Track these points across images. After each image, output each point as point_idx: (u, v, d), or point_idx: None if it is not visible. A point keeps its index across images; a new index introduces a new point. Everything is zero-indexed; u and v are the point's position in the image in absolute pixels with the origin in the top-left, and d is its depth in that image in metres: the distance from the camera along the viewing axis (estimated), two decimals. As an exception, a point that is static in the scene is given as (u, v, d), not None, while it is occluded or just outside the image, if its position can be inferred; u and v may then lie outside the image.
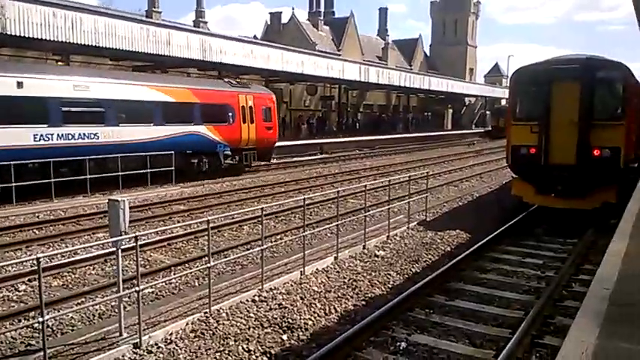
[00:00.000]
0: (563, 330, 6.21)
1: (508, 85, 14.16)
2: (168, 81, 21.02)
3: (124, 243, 7.81)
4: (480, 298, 8.04)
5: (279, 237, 11.92)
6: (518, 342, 6.08)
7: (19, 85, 15.24)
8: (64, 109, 16.28)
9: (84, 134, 16.94)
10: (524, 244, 11.34)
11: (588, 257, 9.92)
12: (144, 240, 10.55)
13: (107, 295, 7.80)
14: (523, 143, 12.49)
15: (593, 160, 11.69)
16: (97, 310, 7.54)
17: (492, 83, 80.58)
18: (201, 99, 21.04)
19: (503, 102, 66.27)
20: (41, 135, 15.81)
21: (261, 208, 8.65)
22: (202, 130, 21.02)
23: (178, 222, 13.10)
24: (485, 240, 10.87)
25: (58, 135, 16.24)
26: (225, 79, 24.63)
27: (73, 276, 9.13)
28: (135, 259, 6.40)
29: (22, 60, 22.62)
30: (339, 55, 50.35)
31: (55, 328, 6.90)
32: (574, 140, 11.75)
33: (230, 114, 22.24)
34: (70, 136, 16.57)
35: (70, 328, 6.97)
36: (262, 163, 25.26)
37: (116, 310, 6.75)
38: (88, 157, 16.66)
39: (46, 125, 15.92)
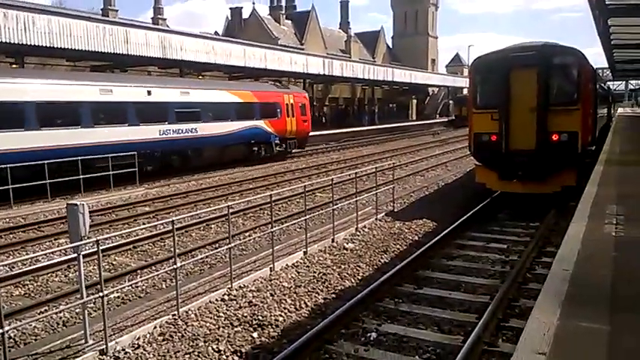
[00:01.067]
0: (527, 312, 6.35)
1: (468, 74, 14.37)
2: (238, 86, 27.09)
3: (86, 248, 7.65)
4: (448, 285, 8.17)
5: (247, 234, 11.85)
6: (485, 326, 6.20)
7: (149, 93, 20.31)
8: (176, 110, 21.36)
9: (188, 129, 21.94)
10: (488, 230, 11.58)
11: (550, 240, 10.19)
12: (108, 244, 10.33)
13: (71, 302, 7.59)
14: (484, 131, 12.72)
15: (551, 145, 12.00)
16: (61, 317, 7.34)
17: (454, 73, 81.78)
18: (259, 99, 26.32)
19: (465, 91, 67.36)
20: (164, 130, 20.88)
21: (228, 206, 8.58)
22: (261, 124, 26.30)
23: (144, 224, 12.85)
24: (451, 227, 11.05)
25: (173, 130, 21.30)
26: (271, 82, 30.20)
27: (35, 284, 8.86)
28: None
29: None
30: (302, 49, 50.23)
31: (17, 339, 6.68)
32: (533, 126, 12.03)
33: (278, 110, 27.50)
34: (180, 131, 21.61)
35: (34, 337, 6.76)
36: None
37: (81, 317, 6.58)
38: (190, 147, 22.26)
39: (166, 123, 20.93)
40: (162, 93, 20.95)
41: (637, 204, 8.05)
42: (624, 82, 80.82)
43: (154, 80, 23.17)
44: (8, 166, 14.87)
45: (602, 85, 29.08)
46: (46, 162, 15.87)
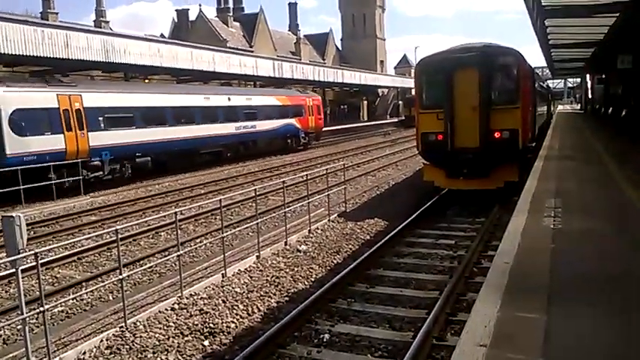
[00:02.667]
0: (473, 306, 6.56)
1: (413, 75, 14.69)
2: (278, 92, 35.36)
3: (27, 261, 7.32)
4: (398, 283, 8.32)
5: (198, 240, 11.64)
6: (434, 321, 6.35)
7: (229, 99, 28.11)
8: (244, 111, 29.09)
9: (251, 126, 29.63)
10: (437, 227, 11.86)
11: (495, 234, 10.53)
12: (51, 256, 9.91)
13: (11, 319, 7.24)
14: (430, 130, 13.03)
15: (494, 142, 12.42)
16: (0, 335, 6.99)
17: (402, 74, 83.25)
18: (291, 102, 34.53)
19: (414, 92, 68.64)
20: (238, 126, 28.38)
21: (175, 213, 8.42)
22: (293, 121, 34.12)
23: (89, 233, 12.41)
24: (401, 226, 11.25)
25: (243, 126, 28.82)
26: (296, 88, 40.16)
27: (-29, 302, 8.40)
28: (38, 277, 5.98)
29: None
30: (252, 51, 49.91)
31: (-48, 361, 6.32)
32: (476, 125, 12.42)
33: (303, 110, 35.57)
34: (247, 127, 29.21)
35: (-30, 358, 6.42)
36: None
37: (22, 334, 6.28)
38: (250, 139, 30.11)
39: (239, 121, 28.44)
40: (237, 99, 28.92)
41: (574, 197, 8.45)
42: (563, 81, 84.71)
43: (230, 90, 32.24)
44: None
45: (542, 83, 30.35)
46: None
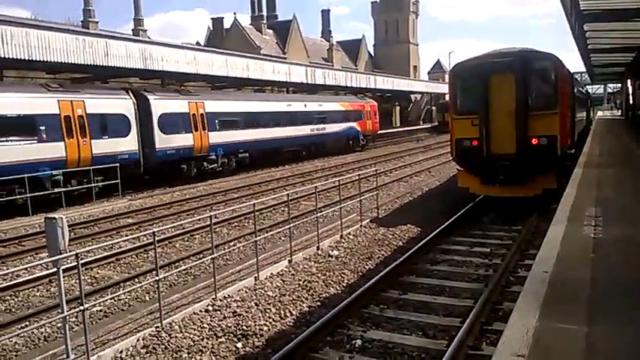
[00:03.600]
0: (510, 315, 6.40)
1: (448, 81, 14.53)
2: (342, 99, 40.63)
3: (68, 262, 7.54)
4: (432, 290, 8.21)
5: (232, 244, 11.77)
6: (469, 330, 6.24)
7: (305, 105, 32.60)
8: (316, 116, 33.50)
9: (321, 128, 34.03)
10: (472, 234, 11.67)
11: (532, 242, 10.30)
12: (90, 257, 10.18)
13: (52, 317, 7.47)
14: (465, 136, 12.85)
15: (531, 148, 12.17)
16: (42, 333, 7.23)
17: (436, 79, 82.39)
18: (352, 107, 38.82)
19: (447, 97, 67.89)
20: (312, 129, 32.89)
21: (210, 217, 8.54)
22: (354, 125, 38.34)
23: (126, 235, 12.71)
24: (434, 233, 11.12)
25: (316, 129, 33.37)
26: (356, 95, 44.21)
27: (16, 299, 8.71)
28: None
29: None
30: (285, 58, 50.32)
31: (-3, 356, 6.57)
32: (513, 131, 12.19)
33: (362, 115, 39.70)
34: (317, 129, 33.57)
35: (14, 353, 6.66)
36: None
37: (62, 331, 6.48)
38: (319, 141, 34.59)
39: (313, 124, 33.06)
40: (311, 105, 33.37)
41: (615, 206, 8.19)
42: (603, 86, 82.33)
43: (305, 97, 35.34)
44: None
45: (581, 89, 29.58)
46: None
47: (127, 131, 20.12)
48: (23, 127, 16.54)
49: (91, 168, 18.20)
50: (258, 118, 27.79)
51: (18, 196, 15.94)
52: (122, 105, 20.17)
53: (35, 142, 16.78)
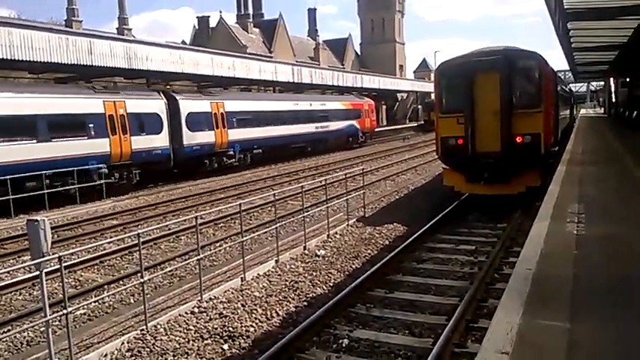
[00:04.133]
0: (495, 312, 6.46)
1: (433, 79, 14.59)
2: (343, 98, 42.84)
3: (51, 264, 7.44)
4: (418, 288, 8.24)
5: (218, 244, 11.71)
6: (454, 328, 6.27)
7: (310, 104, 35.02)
8: (320, 114, 35.82)
9: (325, 126, 36.38)
10: (457, 232, 11.74)
11: (517, 240, 10.37)
12: (74, 259, 10.08)
13: (35, 321, 7.37)
14: (451, 135, 12.92)
15: (516, 146, 12.26)
16: (24, 337, 7.12)
17: (422, 78, 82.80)
18: (353, 106, 41.22)
19: (433, 96, 68.13)
20: (317, 127, 35.25)
21: (196, 217, 8.48)
22: (354, 123, 40.67)
23: (110, 237, 12.59)
24: (420, 231, 11.16)
25: (320, 126, 35.69)
26: (354, 94, 45.47)
27: (-3, 304, 8.58)
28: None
29: None
30: (271, 57, 50.17)
31: (-22, 362, 6.47)
32: (497, 129, 12.27)
33: (361, 113, 41.97)
34: (323, 127, 35.97)
35: (-5, 359, 6.55)
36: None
37: (45, 335, 6.39)
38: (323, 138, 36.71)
39: (317, 122, 35.35)
40: (315, 104, 35.90)
41: (598, 203, 8.29)
42: (586, 84, 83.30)
43: (309, 97, 37.86)
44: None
45: (564, 87, 29.89)
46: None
47: (160, 129, 22.16)
48: (77, 125, 18.56)
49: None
50: (270, 116, 30.02)
51: (71, 187, 17.68)
52: (156, 105, 22.24)
53: (85, 138, 18.71)
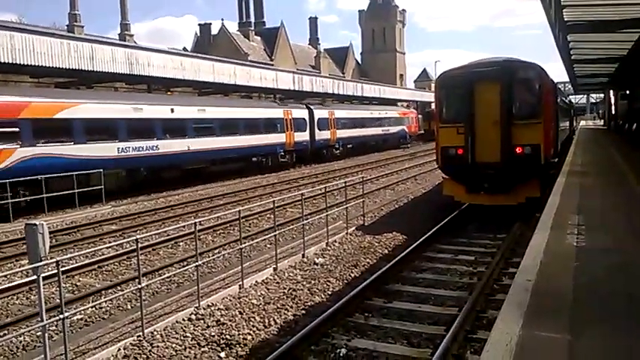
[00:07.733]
0: (494, 323, 6.42)
1: (433, 89, 14.63)
2: (397, 108, 53.74)
3: (49, 269, 7.41)
4: (417, 298, 8.20)
5: (216, 251, 11.67)
6: (453, 338, 6.24)
7: (379, 113, 47.32)
8: (385, 121, 47.22)
9: (387, 129, 47.12)
10: (457, 242, 11.70)
11: (516, 250, 10.34)
12: (72, 264, 10.03)
13: (31, 325, 7.32)
14: (451, 145, 12.93)
15: (515, 157, 12.27)
16: (20, 342, 7.08)
17: (422, 88, 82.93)
18: (403, 115, 52.15)
19: (433, 106, 68.24)
20: (383, 130, 46.59)
21: (194, 223, 8.46)
22: (404, 129, 51.48)
23: (108, 242, 12.55)
24: (420, 240, 11.13)
25: (384, 130, 46.95)
26: (404, 105, 59.21)
27: (-7, 308, 8.54)
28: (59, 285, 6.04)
29: None
30: (272, 64, 50.35)
31: (-28, 366, 6.42)
32: (497, 140, 12.29)
33: (409, 120, 53.23)
34: (386, 130, 47.04)
35: (-9, 364, 6.51)
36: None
37: (41, 340, 6.34)
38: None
39: (383, 126, 46.71)
40: (381, 113, 47.40)
41: (598, 214, 8.28)
42: (586, 96, 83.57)
43: (377, 107, 48.56)
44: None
45: (564, 99, 29.96)
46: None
47: (305, 128, 34.00)
48: (273, 125, 30.72)
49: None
50: (358, 122, 41.98)
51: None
52: (304, 113, 34.42)
53: (277, 133, 30.85)
